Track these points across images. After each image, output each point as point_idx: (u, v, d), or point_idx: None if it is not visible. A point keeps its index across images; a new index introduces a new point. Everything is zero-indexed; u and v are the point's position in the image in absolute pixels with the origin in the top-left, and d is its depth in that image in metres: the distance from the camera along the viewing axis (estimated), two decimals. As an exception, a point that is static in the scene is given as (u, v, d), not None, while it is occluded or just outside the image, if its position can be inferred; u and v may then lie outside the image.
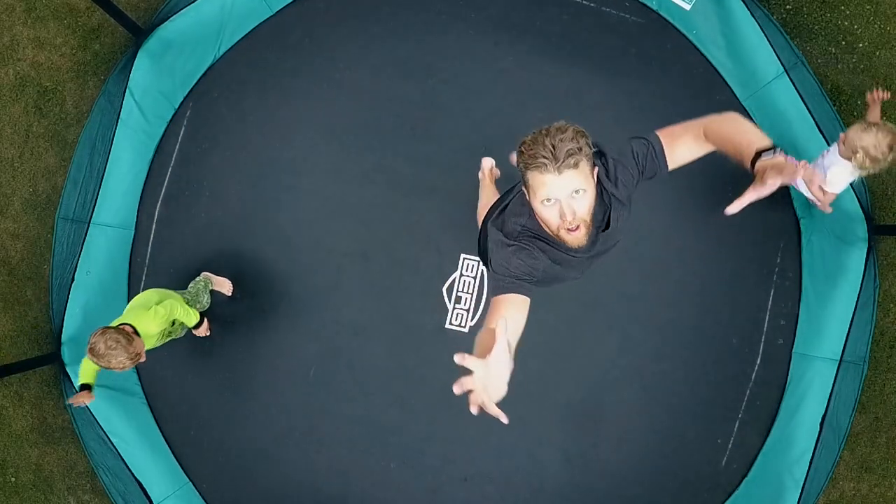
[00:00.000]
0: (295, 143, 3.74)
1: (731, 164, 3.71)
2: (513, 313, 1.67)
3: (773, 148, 1.50)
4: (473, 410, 1.28)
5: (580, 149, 1.56)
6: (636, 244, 3.70)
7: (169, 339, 3.25)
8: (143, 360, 2.84)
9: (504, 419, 1.29)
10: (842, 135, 2.94)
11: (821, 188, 3.10)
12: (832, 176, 3.05)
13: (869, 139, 2.78)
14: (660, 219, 3.72)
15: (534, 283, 1.77)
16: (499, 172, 3.44)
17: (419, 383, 3.70)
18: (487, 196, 3.15)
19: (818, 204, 3.18)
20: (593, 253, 1.92)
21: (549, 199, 1.61)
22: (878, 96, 3.02)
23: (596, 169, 1.70)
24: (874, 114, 3.04)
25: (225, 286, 3.67)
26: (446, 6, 3.75)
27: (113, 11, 3.43)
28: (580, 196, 1.62)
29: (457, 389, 1.27)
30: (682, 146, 1.81)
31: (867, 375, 3.68)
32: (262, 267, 3.72)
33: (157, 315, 2.95)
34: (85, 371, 3.09)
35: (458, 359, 1.24)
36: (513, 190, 2.10)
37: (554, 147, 1.55)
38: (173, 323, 3.20)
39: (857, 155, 2.81)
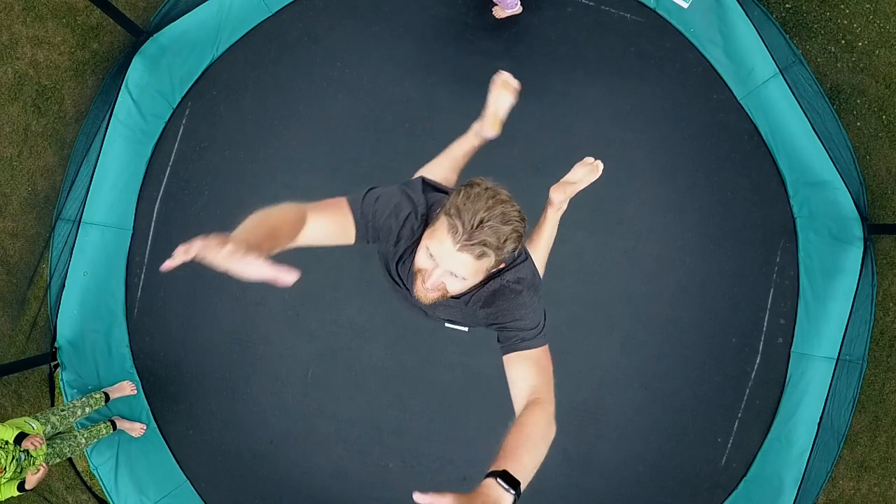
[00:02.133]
0: (294, 143, 3.73)
1: (731, 164, 3.72)
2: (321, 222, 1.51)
3: None
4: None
5: (498, 248, 1.35)
6: (636, 244, 3.70)
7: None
8: None
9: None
10: None
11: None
12: None
13: None
14: (660, 219, 3.72)
15: (366, 236, 1.55)
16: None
17: (418, 383, 3.70)
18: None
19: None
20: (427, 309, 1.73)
21: (431, 256, 1.40)
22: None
23: (503, 270, 1.54)
24: None
25: (126, 389, 3.57)
26: (445, 6, 3.74)
27: (111, 11, 3.42)
28: (455, 281, 1.43)
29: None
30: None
31: (867, 375, 3.68)
32: (261, 266, 3.71)
33: None
34: None
35: None
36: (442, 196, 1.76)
37: (478, 223, 1.32)
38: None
39: None
